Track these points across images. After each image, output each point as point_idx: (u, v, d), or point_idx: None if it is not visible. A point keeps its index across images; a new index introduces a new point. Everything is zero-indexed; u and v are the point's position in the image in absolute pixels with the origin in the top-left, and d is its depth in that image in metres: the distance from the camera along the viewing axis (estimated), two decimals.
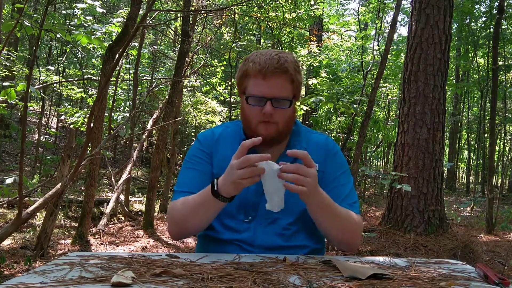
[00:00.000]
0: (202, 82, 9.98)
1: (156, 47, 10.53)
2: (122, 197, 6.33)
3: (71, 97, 9.23)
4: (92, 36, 4.21)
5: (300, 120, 10.50)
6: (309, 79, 9.36)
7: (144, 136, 7.79)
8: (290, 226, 1.32)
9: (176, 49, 8.81)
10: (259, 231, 1.30)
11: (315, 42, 9.82)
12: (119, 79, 8.19)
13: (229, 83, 9.62)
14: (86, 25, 5.12)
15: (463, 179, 21.89)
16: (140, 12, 5.06)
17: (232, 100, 9.58)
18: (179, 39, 6.40)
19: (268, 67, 1.24)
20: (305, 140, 1.39)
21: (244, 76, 1.31)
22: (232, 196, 1.18)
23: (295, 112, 1.37)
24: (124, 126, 6.37)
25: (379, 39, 12.39)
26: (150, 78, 9.47)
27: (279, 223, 1.32)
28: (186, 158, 1.42)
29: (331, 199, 1.24)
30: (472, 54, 14.04)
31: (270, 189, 1.12)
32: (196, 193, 1.33)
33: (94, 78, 8.43)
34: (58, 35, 4.71)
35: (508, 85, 13.51)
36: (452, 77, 15.22)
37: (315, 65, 9.84)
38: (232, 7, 7.50)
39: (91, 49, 7.79)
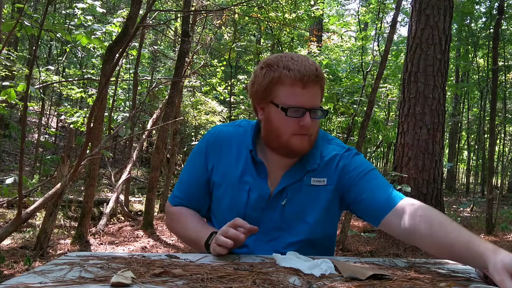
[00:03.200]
0: (202, 82, 9.98)
1: (156, 47, 10.53)
2: (121, 197, 6.33)
3: (71, 97, 9.24)
4: (92, 36, 4.21)
5: None
6: None
7: (144, 136, 7.79)
8: (293, 245, 1.25)
9: (176, 49, 8.81)
10: (258, 248, 1.24)
11: (315, 43, 9.82)
12: (119, 79, 8.19)
13: (229, 83, 9.62)
14: (86, 25, 5.12)
15: (463, 179, 21.89)
16: (140, 12, 5.06)
17: (232, 100, 9.58)
18: (179, 39, 6.40)
19: (309, 75, 1.15)
20: (319, 155, 1.28)
21: (274, 84, 1.18)
22: None
23: None
24: (124, 126, 6.37)
25: (379, 39, 12.41)
26: (150, 78, 9.48)
27: (280, 241, 1.25)
28: (192, 154, 1.36)
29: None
30: (472, 54, 14.04)
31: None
32: (184, 198, 1.35)
33: (94, 78, 8.44)
34: (58, 35, 4.71)
35: (508, 86, 13.50)
36: (452, 78, 15.22)
37: None
38: (232, 7, 7.50)
39: (91, 49, 7.79)
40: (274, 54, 1.25)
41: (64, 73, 11.75)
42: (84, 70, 9.60)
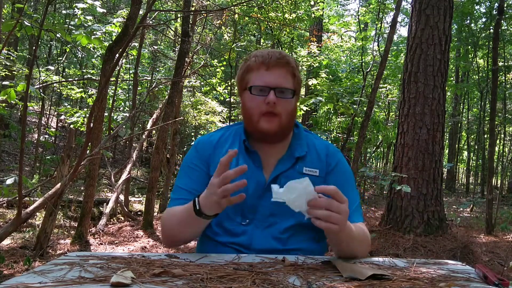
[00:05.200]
0: (202, 82, 9.98)
1: (156, 47, 10.53)
2: (121, 197, 6.33)
3: (71, 97, 9.23)
4: (92, 36, 4.21)
5: (300, 121, 10.51)
6: (309, 80, 9.37)
7: (143, 136, 7.79)
8: (288, 230, 1.30)
9: (176, 49, 8.81)
10: (256, 235, 1.28)
11: (315, 43, 9.83)
12: (119, 79, 8.19)
13: (229, 83, 9.62)
14: (86, 25, 5.12)
15: (463, 179, 21.90)
16: (140, 12, 5.06)
17: (232, 100, 9.58)
18: (179, 39, 6.40)
19: (271, 58, 1.28)
20: (305, 143, 1.38)
21: (246, 72, 1.32)
22: (216, 213, 1.16)
23: (296, 109, 1.36)
24: (124, 126, 6.37)
25: (379, 39, 12.41)
26: (150, 78, 9.47)
27: (276, 226, 1.30)
28: (183, 163, 1.41)
29: (352, 226, 1.18)
30: (472, 55, 14.05)
31: (295, 201, 1.04)
32: (188, 198, 1.30)
33: (94, 78, 8.43)
34: (58, 35, 4.71)
35: (507, 86, 13.51)
36: (452, 78, 15.22)
37: (315, 66, 9.85)
38: (232, 7, 7.50)
39: (91, 49, 7.79)
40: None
41: (64, 73, 11.75)
42: (84, 70, 9.60)
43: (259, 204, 1.30)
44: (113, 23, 5.63)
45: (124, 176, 6.17)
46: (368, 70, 9.42)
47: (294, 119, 1.36)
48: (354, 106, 7.62)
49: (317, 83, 8.96)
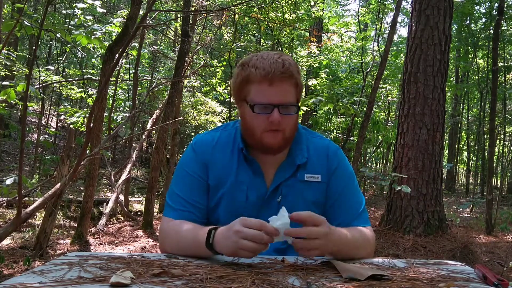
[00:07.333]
0: (202, 82, 9.98)
1: (156, 47, 10.52)
2: (121, 197, 6.33)
3: (71, 97, 9.23)
4: (92, 36, 4.21)
5: (300, 121, 10.53)
6: (309, 80, 9.37)
7: (143, 136, 7.79)
8: None
9: (176, 49, 8.81)
10: None
11: (315, 43, 9.83)
12: (119, 79, 8.19)
13: (229, 83, 9.62)
14: (86, 25, 5.11)
15: (463, 180, 21.90)
16: (140, 12, 5.06)
17: (232, 100, 9.58)
18: (179, 39, 6.41)
19: (275, 72, 1.17)
20: (305, 147, 1.32)
21: (245, 82, 1.22)
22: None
23: (298, 118, 1.29)
24: (123, 126, 6.37)
25: (379, 40, 12.41)
26: (150, 78, 9.47)
27: None
28: (181, 166, 1.33)
29: (343, 232, 1.16)
30: (472, 55, 14.05)
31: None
32: (191, 211, 1.26)
33: (94, 78, 8.43)
34: (58, 35, 4.71)
35: (507, 86, 13.51)
36: (451, 78, 15.22)
37: (315, 66, 9.86)
38: (232, 7, 7.50)
39: (91, 49, 7.79)
40: (251, 54, 1.27)
41: (64, 73, 11.75)
42: (84, 70, 9.60)
43: (261, 214, 1.23)
44: (113, 23, 5.62)
45: (124, 176, 6.17)
46: (368, 70, 9.43)
47: (296, 128, 1.30)
48: (354, 106, 7.62)
49: (317, 83, 8.96)
